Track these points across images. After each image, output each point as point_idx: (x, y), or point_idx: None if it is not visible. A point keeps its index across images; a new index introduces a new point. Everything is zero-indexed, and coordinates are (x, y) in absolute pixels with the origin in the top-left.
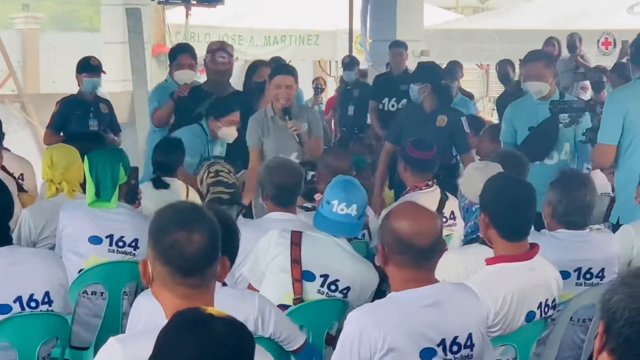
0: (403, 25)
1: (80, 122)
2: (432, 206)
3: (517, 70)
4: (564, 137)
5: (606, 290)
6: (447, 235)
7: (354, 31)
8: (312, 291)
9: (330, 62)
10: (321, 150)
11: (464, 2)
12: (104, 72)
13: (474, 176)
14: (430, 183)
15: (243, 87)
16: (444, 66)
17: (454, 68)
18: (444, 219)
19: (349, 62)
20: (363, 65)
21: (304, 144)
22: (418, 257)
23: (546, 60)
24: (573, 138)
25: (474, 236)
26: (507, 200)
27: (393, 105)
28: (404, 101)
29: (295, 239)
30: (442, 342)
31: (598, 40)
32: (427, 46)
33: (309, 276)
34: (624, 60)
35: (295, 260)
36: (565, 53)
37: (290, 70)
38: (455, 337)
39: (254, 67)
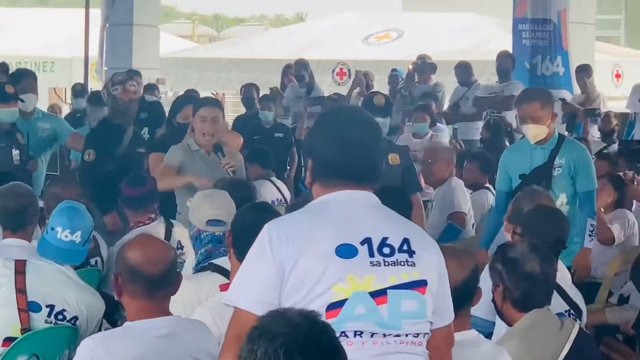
0: (139, 54)
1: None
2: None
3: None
4: (558, 187)
5: None
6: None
7: (90, 59)
8: (40, 321)
9: (65, 89)
10: None
11: (200, 31)
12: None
13: (202, 204)
14: (153, 216)
15: (166, 126)
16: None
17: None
18: None
19: (80, 90)
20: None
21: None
22: (150, 286)
23: (543, 100)
24: (572, 188)
25: (206, 264)
26: (248, 225)
27: None
28: (146, 129)
29: (20, 267)
30: None
31: (333, 70)
32: (163, 74)
33: (35, 307)
34: (358, 89)
35: (20, 290)
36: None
37: (216, 103)
38: None
39: (178, 105)
